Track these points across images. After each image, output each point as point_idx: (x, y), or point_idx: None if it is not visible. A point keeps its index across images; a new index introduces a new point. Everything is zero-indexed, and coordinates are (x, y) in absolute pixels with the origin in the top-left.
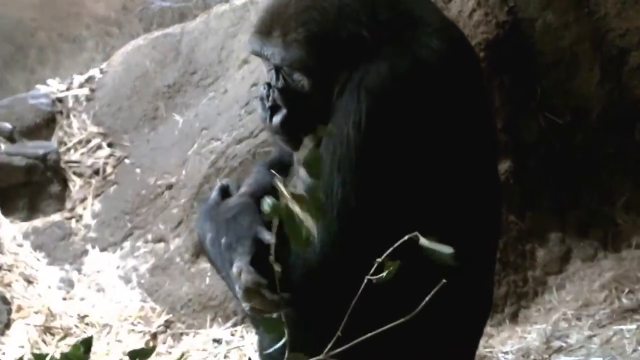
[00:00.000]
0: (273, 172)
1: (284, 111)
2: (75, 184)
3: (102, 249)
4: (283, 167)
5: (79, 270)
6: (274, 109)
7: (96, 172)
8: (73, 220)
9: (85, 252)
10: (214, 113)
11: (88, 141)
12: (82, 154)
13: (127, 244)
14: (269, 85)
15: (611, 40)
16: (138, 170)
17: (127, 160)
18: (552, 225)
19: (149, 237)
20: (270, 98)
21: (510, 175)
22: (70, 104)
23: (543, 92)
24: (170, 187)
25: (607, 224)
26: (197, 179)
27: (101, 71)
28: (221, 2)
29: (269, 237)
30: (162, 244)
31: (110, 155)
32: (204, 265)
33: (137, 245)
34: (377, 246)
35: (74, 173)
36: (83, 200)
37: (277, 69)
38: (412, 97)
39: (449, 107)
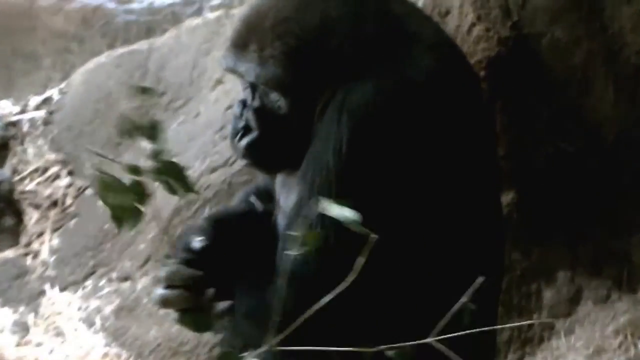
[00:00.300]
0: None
1: (255, 133)
2: (31, 217)
3: (62, 289)
4: (268, 195)
5: (36, 313)
6: (245, 130)
7: (54, 204)
8: (29, 257)
9: (43, 293)
10: (185, 139)
11: (45, 169)
12: (39, 183)
13: (89, 283)
14: (243, 103)
15: (626, 57)
16: (101, 202)
17: (89, 191)
18: (560, 263)
19: (114, 275)
20: (243, 117)
21: (514, 207)
22: (25, 128)
23: (551, 115)
24: None
25: (621, 261)
26: (167, 212)
27: (60, 92)
28: (193, 16)
29: (197, 244)
30: (128, 283)
31: (70, 184)
32: None
33: (101, 284)
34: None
35: (30, 204)
36: (40, 234)
37: (253, 87)
38: (399, 122)
39: (440, 133)
